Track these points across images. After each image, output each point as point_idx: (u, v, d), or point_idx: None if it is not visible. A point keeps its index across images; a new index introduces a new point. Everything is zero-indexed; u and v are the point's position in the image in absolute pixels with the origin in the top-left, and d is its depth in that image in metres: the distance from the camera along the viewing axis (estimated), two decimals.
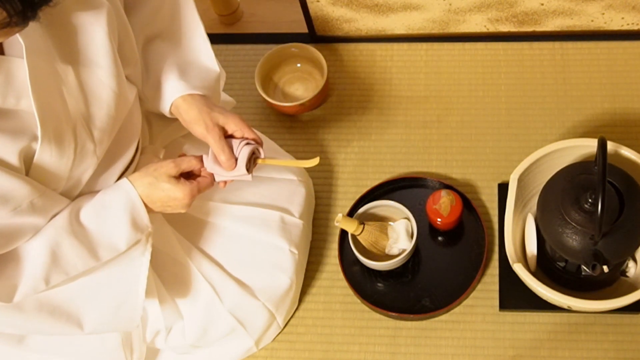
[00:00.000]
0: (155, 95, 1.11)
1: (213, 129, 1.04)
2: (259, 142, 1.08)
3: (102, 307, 1.07)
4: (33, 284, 0.96)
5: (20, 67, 0.87)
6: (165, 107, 1.09)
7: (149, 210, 1.03)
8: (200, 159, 1.04)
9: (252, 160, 1.07)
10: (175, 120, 1.29)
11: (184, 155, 1.06)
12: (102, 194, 1.02)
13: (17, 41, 0.85)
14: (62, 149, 0.92)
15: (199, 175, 1.05)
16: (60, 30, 0.93)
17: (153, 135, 1.25)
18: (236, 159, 1.04)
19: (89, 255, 0.99)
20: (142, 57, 1.12)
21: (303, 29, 1.62)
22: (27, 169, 0.91)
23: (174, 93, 1.08)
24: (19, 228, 0.94)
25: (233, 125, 1.06)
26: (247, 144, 1.05)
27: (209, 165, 1.06)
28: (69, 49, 0.93)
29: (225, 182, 1.09)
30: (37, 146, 0.90)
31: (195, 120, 1.06)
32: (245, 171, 1.04)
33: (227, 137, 1.06)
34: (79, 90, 0.95)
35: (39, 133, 0.89)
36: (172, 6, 1.12)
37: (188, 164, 1.03)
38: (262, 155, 1.09)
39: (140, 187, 1.01)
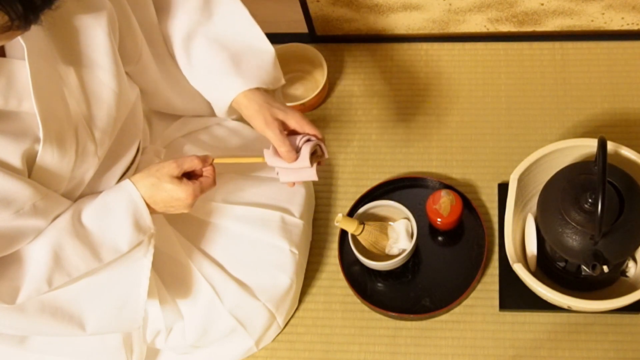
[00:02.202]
0: (212, 91, 1.12)
1: (272, 123, 1.05)
2: (320, 139, 1.08)
3: (104, 308, 1.07)
4: (36, 285, 0.96)
5: (22, 69, 0.87)
6: (225, 104, 1.11)
7: (152, 210, 1.03)
8: (202, 159, 1.04)
9: (315, 158, 1.07)
10: (176, 120, 1.30)
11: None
12: (104, 195, 1.02)
13: (18, 43, 0.85)
14: (63, 150, 0.92)
15: (200, 175, 1.05)
16: (62, 32, 0.93)
17: (154, 135, 1.25)
18: (297, 152, 1.04)
19: (91, 256, 0.99)
20: (184, 53, 1.12)
21: (303, 29, 1.62)
22: (29, 170, 0.91)
23: (233, 90, 1.09)
24: (21, 230, 0.94)
25: (293, 122, 1.07)
26: (309, 140, 1.05)
27: (270, 159, 1.05)
28: (70, 51, 0.94)
29: (293, 183, 1.09)
30: (39, 148, 0.90)
31: (254, 115, 1.07)
32: (308, 163, 1.03)
33: (288, 134, 1.07)
34: (80, 91, 0.95)
35: (40, 135, 0.89)
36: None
37: (190, 164, 1.03)
38: (326, 153, 1.09)
39: (142, 188, 1.01)
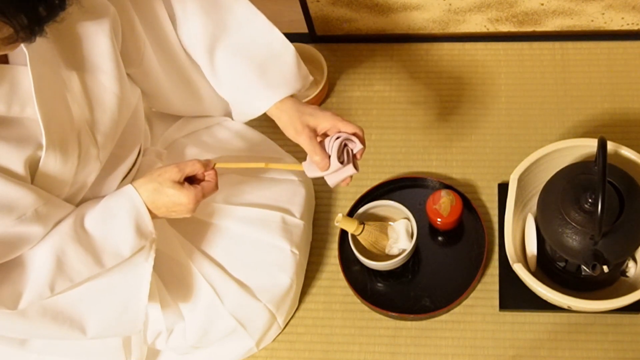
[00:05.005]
0: (241, 104, 1.13)
1: (302, 132, 1.05)
2: (357, 134, 1.05)
3: (105, 312, 1.07)
4: (38, 290, 0.96)
5: (24, 75, 0.87)
6: (256, 115, 1.13)
7: (154, 216, 1.02)
8: (204, 163, 1.04)
9: (348, 152, 1.04)
10: (176, 120, 1.30)
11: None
12: (107, 201, 1.02)
13: (21, 50, 0.85)
14: (66, 156, 0.92)
15: (202, 179, 1.05)
16: (65, 38, 0.93)
17: (154, 136, 1.25)
18: (329, 157, 1.03)
19: (93, 262, 0.99)
20: (209, 66, 1.12)
21: (303, 29, 1.62)
22: (32, 176, 0.91)
23: (265, 103, 1.09)
24: (23, 236, 0.94)
25: (325, 124, 1.06)
26: (338, 137, 1.03)
27: (309, 170, 1.05)
28: (72, 56, 0.94)
29: (344, 181, 1.06)
30: (42, 154, 0.90)
31: (286, 126, 1.07)
32: (338, 165, 1.02)
33: (323, 134, 1.06)
34: (83, 96, 0.95)
35: (43, 141, 0.89)
36: (220, 8, 1.11)
37: (192, 168, 1.03)
38: (357, 146, 1.04)
39: (144, 193, 1.01)
